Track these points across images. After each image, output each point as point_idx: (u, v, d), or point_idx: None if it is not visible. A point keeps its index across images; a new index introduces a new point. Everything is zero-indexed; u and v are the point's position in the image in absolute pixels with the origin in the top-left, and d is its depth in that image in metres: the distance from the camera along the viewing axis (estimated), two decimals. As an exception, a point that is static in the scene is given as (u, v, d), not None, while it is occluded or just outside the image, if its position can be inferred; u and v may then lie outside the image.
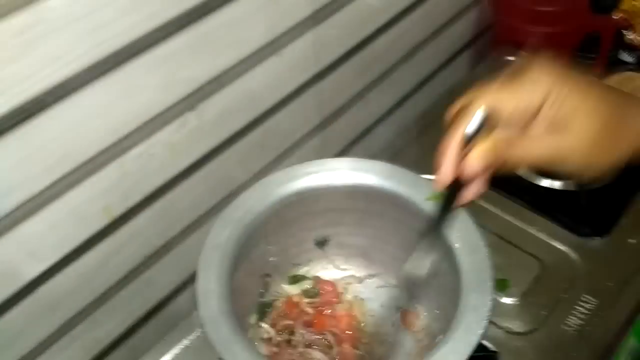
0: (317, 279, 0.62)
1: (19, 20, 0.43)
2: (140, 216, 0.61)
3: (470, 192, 0.42)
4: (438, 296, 0.55)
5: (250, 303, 0.59)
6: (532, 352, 0.61)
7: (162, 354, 0.62)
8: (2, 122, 0.45)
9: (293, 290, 0.61)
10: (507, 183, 0.74)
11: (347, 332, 0.58)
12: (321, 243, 0.62)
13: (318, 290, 0.61)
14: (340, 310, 0.59)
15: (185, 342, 0.62)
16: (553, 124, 0.39)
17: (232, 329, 0.45)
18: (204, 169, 0.65)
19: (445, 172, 0.40)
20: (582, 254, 0.68)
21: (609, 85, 0.42)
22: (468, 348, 0.43)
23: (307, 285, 0.62)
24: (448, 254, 0.49)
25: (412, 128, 0.86)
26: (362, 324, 0.59)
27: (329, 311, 0.59)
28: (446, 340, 0.44)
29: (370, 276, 0.62)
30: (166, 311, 0.71)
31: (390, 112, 0.92)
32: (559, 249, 0.69)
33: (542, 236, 0.70)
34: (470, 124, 0.39)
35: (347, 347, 0.56)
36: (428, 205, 0.52)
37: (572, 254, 0.68)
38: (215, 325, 0.45)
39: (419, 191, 0.53)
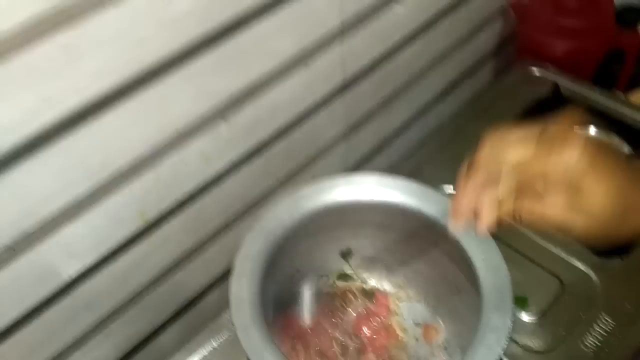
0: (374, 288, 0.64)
1: (65, 35, 0.45)
2: (173, 220, 0.63)
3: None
4: (459, 313, 0.57)
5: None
6: (549, 371, 0.61)
7: (190, 354, 0.63)
8: (47, 132, 0.48)
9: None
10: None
11: (378, 341, 0.59)
12: (345, 255, 0.64)
13: (374, 296, 0.63)
14: (381, 321, 0.61)
15: (214, 343, 0.63)
16: (571, 196, 0.41)
17: (262, 336, 0.47)
18: (233, 176, 0.67)
19: (461, 213, 0.44)
20: (601, 274, 0.67)
21: (632, 165, 0.43)
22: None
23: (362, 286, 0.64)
24: (470, 272, 0.51)
25: (434, 137, 0.87)
26: (400, 337, 0.60)
27: (373, 322, 0.61)
28: (467, 359, 0.45)
29: (393, 289, 0.64)
30: (194, 312, 0.73)
31: (413, 121, 0.93)
32: (578, 268, 0.68)
33: (562, 254, 0.69)
34: (495, 181, 0.42)
35: (371, 356, 0.58)
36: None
37: (592, 274, 0.68)
38: (247, 332, 0.47)
39: (442, 210, 0.54)
